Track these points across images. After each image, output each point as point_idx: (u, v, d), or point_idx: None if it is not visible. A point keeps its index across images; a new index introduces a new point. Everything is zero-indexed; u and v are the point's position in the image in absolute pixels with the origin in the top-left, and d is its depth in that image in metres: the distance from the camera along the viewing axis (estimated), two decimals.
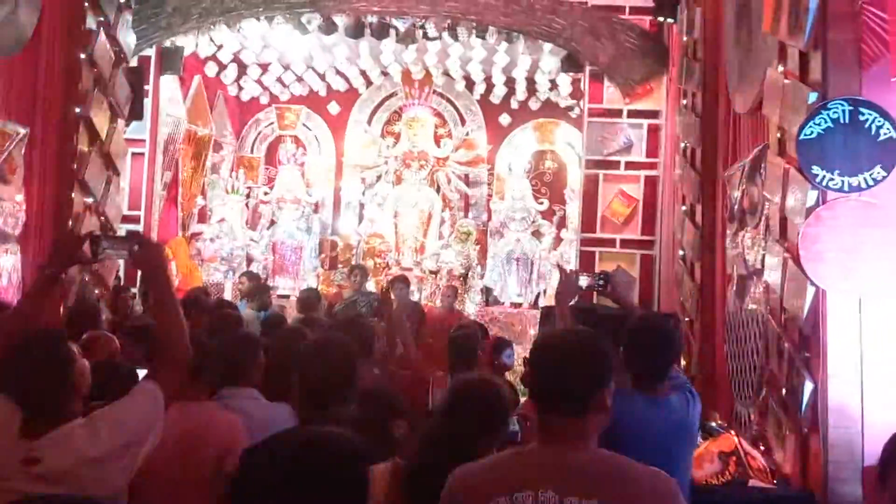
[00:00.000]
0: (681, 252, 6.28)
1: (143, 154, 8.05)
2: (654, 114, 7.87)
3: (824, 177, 3.41)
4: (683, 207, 6.26)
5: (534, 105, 11.22)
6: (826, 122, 3.41)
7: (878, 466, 1.87)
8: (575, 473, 1.67)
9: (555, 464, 1.69)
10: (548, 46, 8.46)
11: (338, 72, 11.10)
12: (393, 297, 8.19)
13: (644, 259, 7.77)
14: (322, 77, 11.08)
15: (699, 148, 5.93)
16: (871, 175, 3.35)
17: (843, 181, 3.39)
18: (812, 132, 3.43)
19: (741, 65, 5.14)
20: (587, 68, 8.19)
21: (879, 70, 3.39)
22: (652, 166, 7.82)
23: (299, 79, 11.07)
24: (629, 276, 7.87)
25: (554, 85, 11.00)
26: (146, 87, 7.81)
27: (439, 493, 1.82)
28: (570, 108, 10.82)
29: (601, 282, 3.41)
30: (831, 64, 3.49)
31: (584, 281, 3.39)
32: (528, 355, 1.96)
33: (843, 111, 3.40)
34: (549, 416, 1.74)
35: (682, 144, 6.40)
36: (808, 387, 3.43)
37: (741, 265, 4.95)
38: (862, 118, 3.38)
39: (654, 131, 7.86)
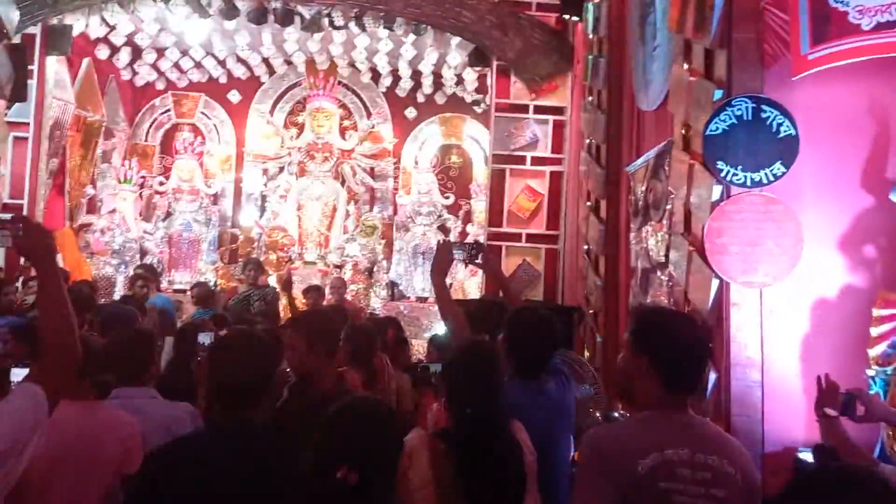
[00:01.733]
0: (585, 247, 6.38)
1: (26, 139, 7.58)
2: (559, 110, 7.97)
3: (728, 171, 3.50)
4: (588, 203, 6.35)
5: (440, 99, 11.22)
6: (730, 118, 3.50)
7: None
8: (697, 435, 2.00)
9: (682, 427, 2.00)
10: (455, 40, 8.45)
11: (239, 59, 10.75)
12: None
13: (549, 253, 7.87)
14: (222, 63, 10.72)
15: (604, 144, 6.02)
16: (771, 171, 3.46)
17: (745, 176, 3.48)
18: (717, 128, 3.51)
19: (645, 63, 5.25)
20: (494, 63, 8.21)
21: (780, 69, 3.49)
22: (557, 162, 7.92)
23: (198, 65, 10.67)
24: (535, 270, 7.97)
25: (460, 80, 11.02)
26: (30, 68, 7.33)
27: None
28: (477, 104, 10.86)
29: (473, 251, 3.38)
30: (735, 62, 3.58)
31: (458, 253, 3.35)
32: (663, 342, 2.07)
33: (747, 108, 3.49)
34: (676, 394, 2.04)
35: (588, 141, 6.49)
36: (712, 376, 3.51)
37: (645, 259, 5.05)
38: (764, 115, 3.48)
39: (559, 127, 7.96)
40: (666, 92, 4.76)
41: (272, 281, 9.61)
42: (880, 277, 3.47)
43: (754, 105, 3.49)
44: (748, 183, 3.48)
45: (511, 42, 7.77)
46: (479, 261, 3.44)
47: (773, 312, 3.48)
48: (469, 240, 10.67)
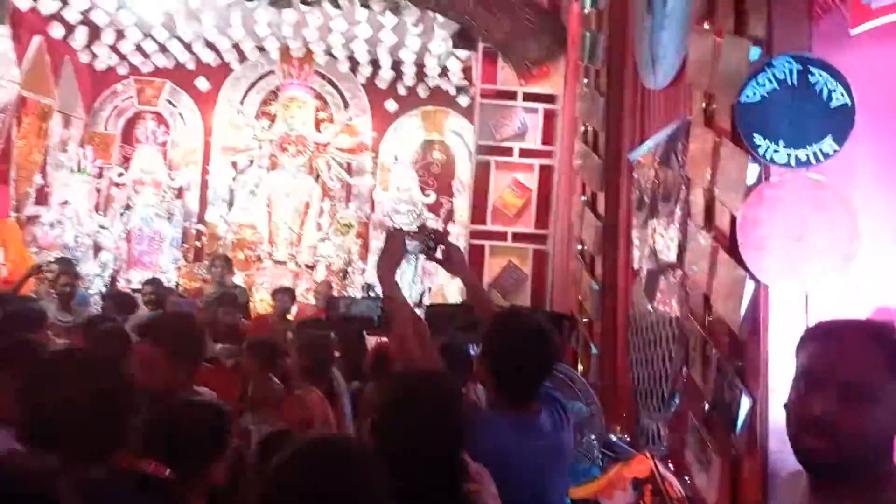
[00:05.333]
0: (579, 247, 5.70)
1: None
2: (550, 98, 7.30)
3: (768, 148, 2.82)
4: (584, 197, 5.67)
5: (422, 92, 10.70)
6: (771, 82, 2.83)
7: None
8: None
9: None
10: (439, 21, 7.77)
11: (207, 43, 10.04)
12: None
13: (537, 254, 7.20)
14: (189, 48, 10.01)
15: (603, 131, 5.36)
16: (820, 148, 2.79)
17: (789, 154, 2.81)
18: (754, 94, 2.84)
19: (653, 34, 4.58)
20: (480, 46, 7.53)
21: (832, 23, 2.83)
22: (547, 154, 7.25)
23: (162, 48, 9.95)
24: (520, 272, 7.30)
25: (444, 71, 10.39)
26: None
27: None
28: (463, 90, 10.25)
29: (431, 242, 2.62)
30: (776, 15, 2.90)
31: (413, 244, 2.60)
32: None
33: (791, 70, 2.82)
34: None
35: (583, 128, 5.82)
36: (745, 403, 2.83)
37: (650, 259, 4.38)
38: (812, 80, 2.81)
39: (550, 117, 7.30)
40: (679, 65, 4.10)
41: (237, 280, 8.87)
42: None
43: (800, 67, 2.81)
44: (792, 162, 2.81)
45: (498, 22, 7.09)
46: (438, 255, 2.65)
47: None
48: (451, 240, 9.99)
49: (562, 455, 2.26)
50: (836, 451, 1.34)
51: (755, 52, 2.92)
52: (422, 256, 2.70)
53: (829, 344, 1.38)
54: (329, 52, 10.13)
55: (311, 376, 3.87)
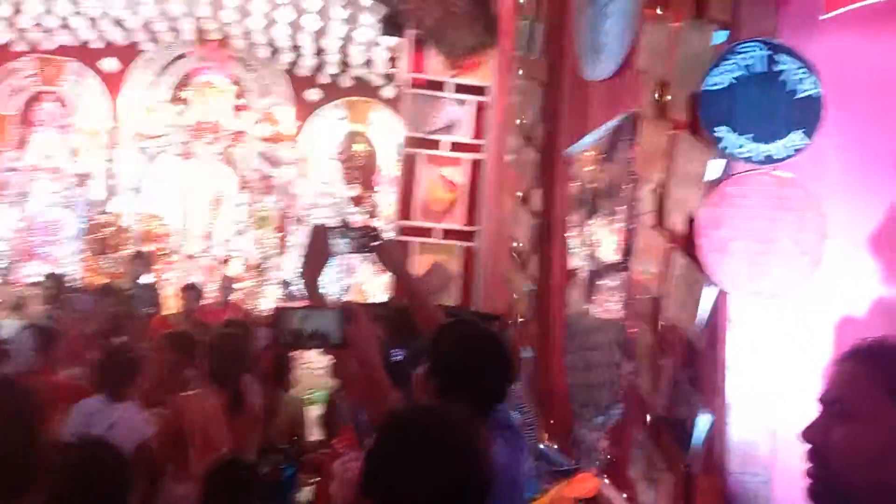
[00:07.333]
0: (513, 244, 5.43)
1: None
2: (481, 90, 7.02)
3: (732, 141, 2.58)
4: (518, 193, 5.40)
5: (346, 82, 10.33)
6: (737, 69, 2.59)
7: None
8: None
9: None
10: (366, 5, 7.40)
11: (117, 21, 9.40)
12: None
13: (466, 252, 6.92)
14: (95, 25, 9.33)
15: (540, 124, 5.09)
16: (789, 142, 2.56)
17: (754, 148, 2.57)
18: (719, 82, 2.59)
19: (595, 23, 4.34)
20: (409, 34, 7.19)
21: (799, 7, 2.62)
22: (478, 148, 6.98)
23: (65, 25, 9.24)
24: (447, 271, 7.00)
25: (370, 61, 10.04)
26: None
27: None
28: (388, 83, 9.89)
29: (365, 239, 2.26)
30: None
31: (341, 242, 2.22)
32: None
33: (759, 57, 2.58)
34: None
35: (519, 121, 5.55)
36: (704, 419, 2.59)
37: (590, 259, 4.13)
38: (778, 68, 2.58)
39: (481, 110, 7.01)
40: (624, 55, 3.86)
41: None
42: None
43: (768, 53, 2.58)
44: (758, 157, 2.57)
45: (429, 8, 6.77)
46: (373, 252, 2.31)
47: (788, 335, 2.58)
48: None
49: (517, 492, 1.95)
50: (824, 475, 1.23)
51: (719, 37, 2.67)
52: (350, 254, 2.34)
53: (831, 366, 1.32)
54: (248, 37, 9.65)
55: (214, 381, 3.47)
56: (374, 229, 2.37)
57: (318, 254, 2.15)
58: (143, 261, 7.69)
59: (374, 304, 6.80)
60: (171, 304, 8.26)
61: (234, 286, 8.24)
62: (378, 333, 2.15)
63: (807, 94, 2.58)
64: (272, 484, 3.67)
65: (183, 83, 10.38)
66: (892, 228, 2.66)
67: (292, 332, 1.77)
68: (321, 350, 2.04)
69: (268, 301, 9.61)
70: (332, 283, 9.25)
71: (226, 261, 9.71)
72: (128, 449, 3.28)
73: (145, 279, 8.30)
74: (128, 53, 10.05)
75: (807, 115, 2.57)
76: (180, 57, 10.33)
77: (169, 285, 8.99)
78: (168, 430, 3.26)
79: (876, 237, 2.65)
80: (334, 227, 2.24)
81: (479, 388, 1.87)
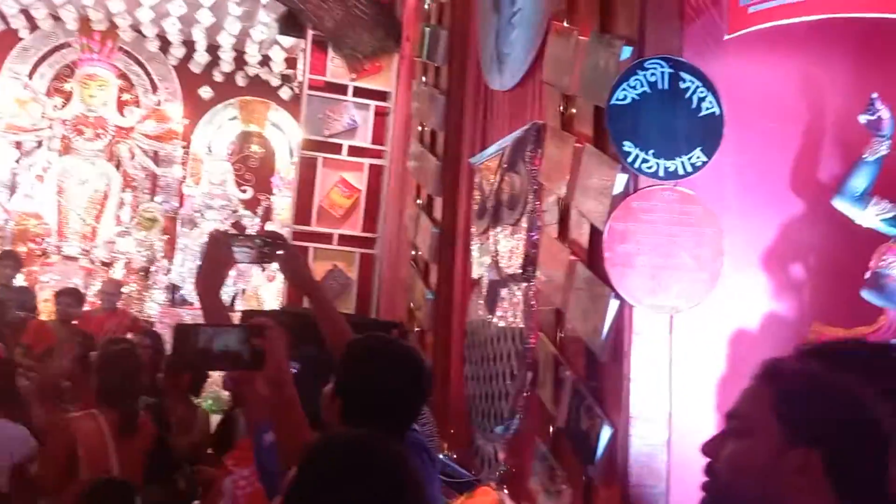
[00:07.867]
0: (413, 252, 5.37)
1: None
2: (382, 95, 6.94)
3: (637, 156, 2.61)
4: (419, 201, 5.35)
5: (241, 80, 10.03)
6: (642, 85, 2.62)
7: None
8: None
9: None
10: (264, 2, 7.18)
11: None
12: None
13: (364, 259, 6.80)
14: None
15: (442, 132, 5.07)
16: (690, 159, 2.62)
17: (658, 164, 2.61)
18: (626, 97, 2.62)
19: (500, 33, 4.35)
20: (309, 34, 7.03)
21: (702, 27, 2.68)
22: (378, 154, 6.88)
23: None
24: (346, 278, 6.87)
25: (266, 60, 9.77)
26: None
27: None
28: (288, 79, 9.69)
29: (267, 248, 2.07)
30: (648, 14, 2.71)
31: (242, 251, 2.05)
32: None
33: (663, 74, 2.63)
34: None
35: (420, 128, 5.51)
36: (606, 432, 2.60)
37: (491, 269, 4.12)
38: (683, 86, 2.63)
39: (381, 115, 6.92)
40: (529, 65, 3.88)
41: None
42: (808, 305, 2.73)
43: (672, 70, 2.63)
44: (661, 173, 2.61)
45: (330, 10, 6.63)
46: (275, 262, 2.13)
47: (684, 348, 2.63)
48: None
49: None
50: (717, 489, 1.25)
51: (627, 51, 2.70)
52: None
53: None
54: (136, 28, 9.20)
55: (104, 401, 3.23)
56: (280, 236, 2.24)
57: (217, 263, 1.97)
58: (13, 261, 7.14)
59: (268, 312, 6.60)
60: (50, 308, 7.74)
61: (121, 290, 7.76)
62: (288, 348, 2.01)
63: (709, 112, 2.64)
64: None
65: (64, 75, 9.77)
66: (785, 246, 2.77)
67: (198, 352, 1.60)
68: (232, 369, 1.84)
69: (153, 307, 9.18)
70: (224, 288, 8.93)
71: (109, 263, 9.18)
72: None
73: (18, 281, 7.73)
74: (2, 41, 9.38)
75: (708, 133, 2.63)
76: (61, 46, 9.73)
77: (47, 288, 8.42)
78: (52, 453, 2.98)
79: (765, 254, 2.75)
80: (236, 235, 2.10)
81: (394, 410, 1.79)
